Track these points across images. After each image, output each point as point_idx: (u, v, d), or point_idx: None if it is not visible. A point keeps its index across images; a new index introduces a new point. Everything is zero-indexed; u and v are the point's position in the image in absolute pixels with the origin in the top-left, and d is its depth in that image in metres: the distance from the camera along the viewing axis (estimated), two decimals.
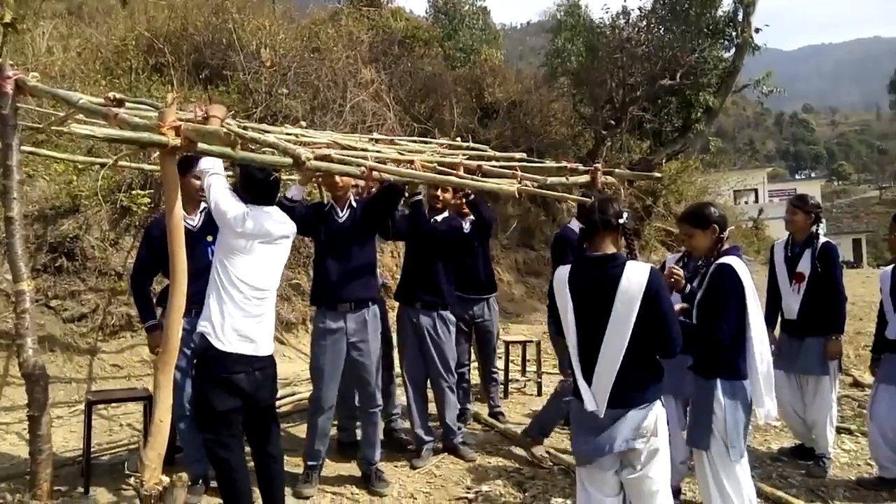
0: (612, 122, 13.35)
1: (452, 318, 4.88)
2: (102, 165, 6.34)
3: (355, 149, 4.68)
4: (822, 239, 4.62)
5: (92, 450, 4.18)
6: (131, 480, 2.72)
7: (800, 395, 4.72)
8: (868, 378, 7.01)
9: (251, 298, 3.32)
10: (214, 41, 9.77)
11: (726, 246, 3.36)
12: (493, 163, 5.41)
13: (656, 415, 2.76)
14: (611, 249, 2.80)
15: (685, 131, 14.03)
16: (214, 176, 3.45)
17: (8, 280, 5.55)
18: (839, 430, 5.15)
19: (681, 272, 3.48)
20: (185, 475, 2.73)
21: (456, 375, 4.91)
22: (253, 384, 3.33)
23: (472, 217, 5.19)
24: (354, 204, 4.34)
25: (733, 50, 13.63)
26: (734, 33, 13.38)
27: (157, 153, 3.34)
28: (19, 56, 7.51)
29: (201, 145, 2.87)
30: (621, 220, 2.82)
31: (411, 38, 13.03)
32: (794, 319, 4.65)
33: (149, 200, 6.71)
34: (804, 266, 4.59)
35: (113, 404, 5.13)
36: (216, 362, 3.24)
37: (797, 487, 4.33)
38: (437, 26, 15.02)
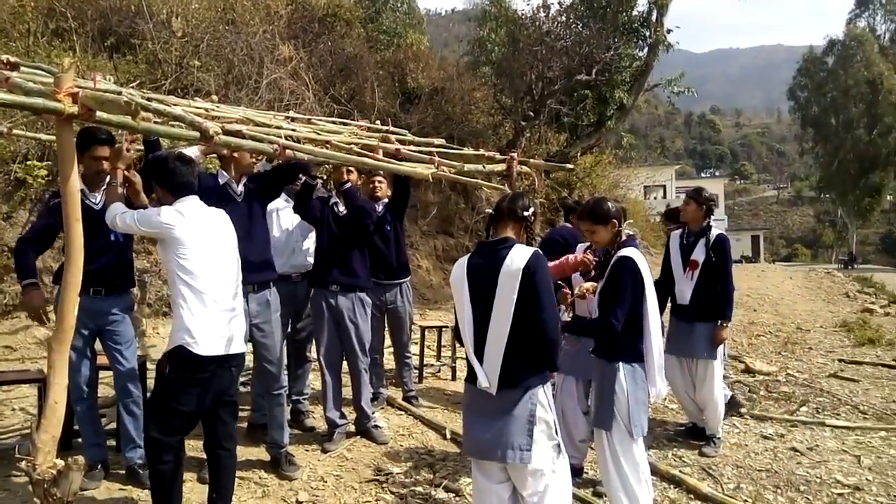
0: (531, 113, 13.60)
1: (369, 300, 4.87)
2: None
3: (269, 126, 4.56)
4: (716, 231, 4.91)
5: None
6: (23, 464, 2.57)
7: (690, 378, 5.01)
8: (759, 365, 7.52)
9: (222, 291, 3.24)
10: (122, 7, 9.29)
11: (624, 237, 3.51)
12: (412, 147, 5.41)
13: (538, 403, 2.79)
14: (507, 235, 2.90)
15: (599, 126, 14.50)
16: (118, 209, 3.37)
17: None
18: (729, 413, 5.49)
19: (591, 257, 3.64)
20: (81, 458, 2.59)
21: (370, 358, 4.91)
22: (227, 381, 3.28)
23: (384, 201, 5.20)
24: (248, 182, 4.21)
25: (646, 49, 14.16)
26: (648, 33, 13.92)
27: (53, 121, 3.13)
28: None
29: (100, 114, 2.73)
30: (526, 213, 2.93)
31: (332, 17, 12.77)
32: (686, 305, 4.92)
33: (46, 173, 6.33)
34: (698, 254, 4.88)
35: (4, 387, 4.83)
36: (194, 365, 3.11)
37: (690, 466, 4.61)
38: (359, 7, 14.77)
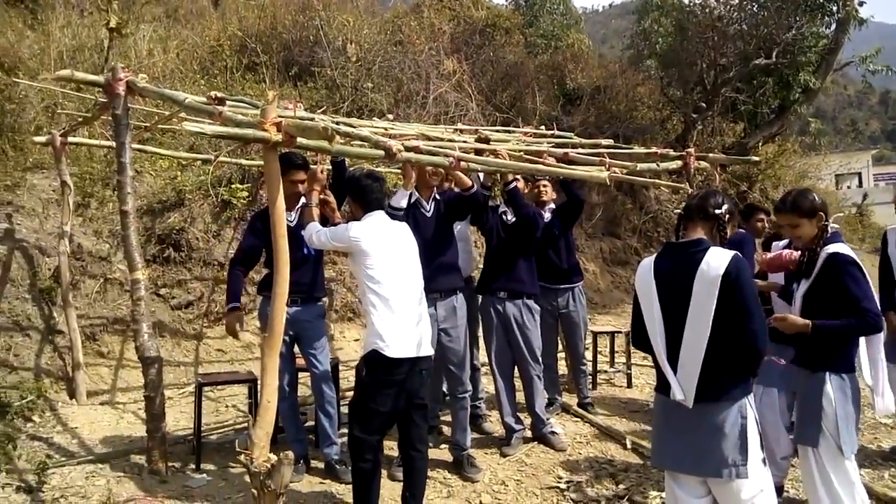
0: (703, 104, 12.82)
1: (537, 306, 4.86)
2: (204, 161, 6.69)
3: (442, 140, 4.75)
4: None
5: (201, 429, 4.43)
6: (241, 457, 2.87)
7: None
8: None
9: (406, 297, 3.46)
10: (302, 39, 10.08)
11: (829, 232, 3.19)
12: (579, 150, 5.34)
13: (748, 416, 2.60)
14: (698, 236, 2.73)
15: (783, 112, 13.29)
16: (313, 228, 3.74)
17: (122, 270, 5.98)
18: None
19: (796, 254, 3.38)
20: (291, 454, 2.85)
21: (542, 364, 4.89)
22: (417, 383, 3.47)
23: (551, 206, 5.20)
24: (438, 197, 4.42)
25: (834, 26, 12.78)
26: (835, 7, 12.54)
27: (260, 148, 3.49)
28: (123, 58, 8.01)
29: (300, 140, 2.99)
30: (718, 211, 2.73)
31: (492, 27, 12.95)
32: None
33: (247, 194, 7.03)
34: None
35: (219, 386, 5.42)
36: (387, 367, 3.33)
37: None
38: (517, 14, 14.86)
